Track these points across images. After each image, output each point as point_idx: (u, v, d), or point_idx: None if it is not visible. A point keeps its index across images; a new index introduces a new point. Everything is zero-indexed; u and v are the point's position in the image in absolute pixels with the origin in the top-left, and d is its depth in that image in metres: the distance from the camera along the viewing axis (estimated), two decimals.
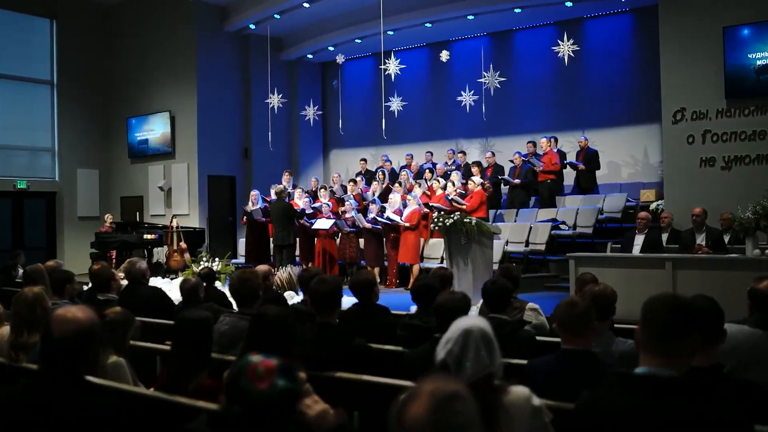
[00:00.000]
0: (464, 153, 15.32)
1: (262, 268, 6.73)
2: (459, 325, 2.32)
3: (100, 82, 18.52)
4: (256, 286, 4.41)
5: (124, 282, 6.83)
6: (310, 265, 13.62)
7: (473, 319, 2.36)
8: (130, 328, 3.79)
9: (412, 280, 12.32)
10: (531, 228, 12.26)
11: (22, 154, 17.66)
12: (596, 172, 13.95)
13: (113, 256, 15.94)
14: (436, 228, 9.44)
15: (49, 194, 17.93)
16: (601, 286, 3.91)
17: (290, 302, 9.87)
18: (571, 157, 14.06)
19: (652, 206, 12.50)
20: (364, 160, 16.40)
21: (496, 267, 11.21)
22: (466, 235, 8.95)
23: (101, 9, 18.60)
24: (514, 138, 15.50)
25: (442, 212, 10.30)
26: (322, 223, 12.91)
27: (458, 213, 9.48)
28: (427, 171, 14.41)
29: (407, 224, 11.99)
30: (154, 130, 17.68)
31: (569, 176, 14.27)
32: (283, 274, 10.47)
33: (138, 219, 17.57)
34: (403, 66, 13.94)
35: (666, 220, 10.54)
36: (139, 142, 18.01)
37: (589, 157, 13.73)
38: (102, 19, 18.61)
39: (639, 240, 9.59)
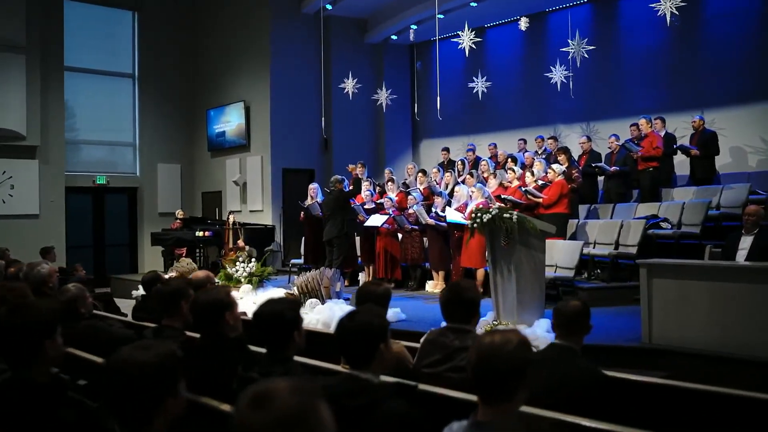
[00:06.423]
0: (555, 139, 13.19)
1: (198, 274, 5.32)
2: None
3: (180, 74, 17.93)
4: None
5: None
6: (370, 268, 12.11)
7: None
8: None
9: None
10: (622, 226, 10.06)
11: (103, 149, 17.39)
12: (716, 159, 11.50)
13: (183, 254, 15.25)
14: (475, 225, 7.59)
15: (130, 189, 17.54)
16: (497, 337, 2.09)
17: (309, 312, 8.43)
18: (684, 141, 11.68)
19: None
20: (446, 149, 14.63)
21: (570, 274, 9.30)
22: (506, 235, 7.06)
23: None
24: (620, 121, 13.19)
25: (481, 207, 8.38)
26: (375, 219, 11.33)
27: (497, 207, 7.57)
28: (509, 160, 12.46)
29: (468, 222, 10.09)
30: (230, 121, 16.82)
31: (684, 165, 11.90)
32: (307, 277, 9.03)
33: (216, 215, 16.83)
34: (478, 39, 12.14)
35: None
36: (217, 135, 17.21)
37: (705, 140, 11.28)
38: (181, 10, 18.00)
39: (746, 243, 7.26)
